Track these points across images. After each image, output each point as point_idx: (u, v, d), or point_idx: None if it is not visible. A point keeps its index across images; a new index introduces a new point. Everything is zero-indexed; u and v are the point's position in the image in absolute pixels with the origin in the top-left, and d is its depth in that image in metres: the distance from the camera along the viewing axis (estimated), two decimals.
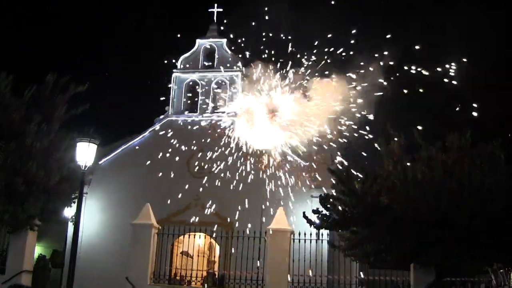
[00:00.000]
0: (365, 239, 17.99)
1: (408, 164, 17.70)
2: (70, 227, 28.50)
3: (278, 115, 22.67)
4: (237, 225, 25.36)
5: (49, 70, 21.05)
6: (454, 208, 16.27)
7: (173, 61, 34.62)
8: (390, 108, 20.10)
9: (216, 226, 25.83)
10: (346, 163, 18.92)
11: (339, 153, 19.92)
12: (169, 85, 34.30)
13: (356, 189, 17.70)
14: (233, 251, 24.02)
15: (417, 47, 19.76)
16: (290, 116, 22.87)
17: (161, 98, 33.85)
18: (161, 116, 34.01)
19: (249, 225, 23.52)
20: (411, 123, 18.77)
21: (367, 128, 19.22)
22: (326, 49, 20.72)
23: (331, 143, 20.85)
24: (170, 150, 29.98)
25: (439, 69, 18.66)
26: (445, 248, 16.55)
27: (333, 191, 19.06)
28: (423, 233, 16.62)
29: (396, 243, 17.26)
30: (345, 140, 19.71)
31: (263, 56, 22.84)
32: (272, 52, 22.86)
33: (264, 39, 22.76)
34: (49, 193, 20.31)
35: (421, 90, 18.61)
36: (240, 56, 33.12)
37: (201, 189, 28.58)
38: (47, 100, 20.81)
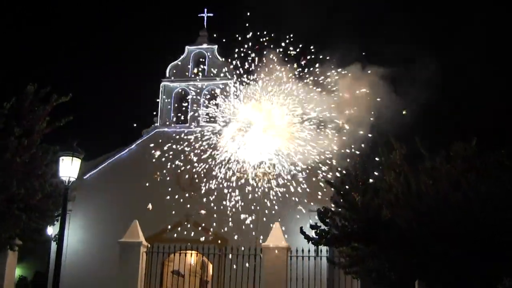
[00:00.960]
0: (367, 255, 17.91)
1: (411, 175, 17.64)
2: (53, 246, 28.26)
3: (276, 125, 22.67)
4: (232, 241, 25.33)
5: (27, 81, 20.91)
6: (461, 221, 16.20)
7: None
8: (392, 117, 20.11)
9: (209, 243, 25.73)
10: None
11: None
12: (158, 99, 34.17)
13: (356, 203, 17.64)
14: (226, 270, 23.92)
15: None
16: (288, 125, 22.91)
17: (154, 114, 33.87)
18: (149, 128, 33.92)
19: (241, 240, 23.41)
20: (414, 131, 18.75)
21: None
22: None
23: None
24: (159, 163, 29.90)
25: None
26: (452, 263, 16.48)
27: (332, 204, 19.00)
28: (428, 248, 16.54)
29: (400, 259, 17.18)
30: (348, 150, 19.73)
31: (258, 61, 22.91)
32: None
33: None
34: (30, 211, 20.13)
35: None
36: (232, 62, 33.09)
37: (192, 205, 28.52)
38: (27, 111, 20.65)
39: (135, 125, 32.41)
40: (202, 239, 27.28)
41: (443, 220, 16.32)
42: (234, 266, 22.49)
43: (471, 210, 16.25)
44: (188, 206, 28.90)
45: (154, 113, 34.01)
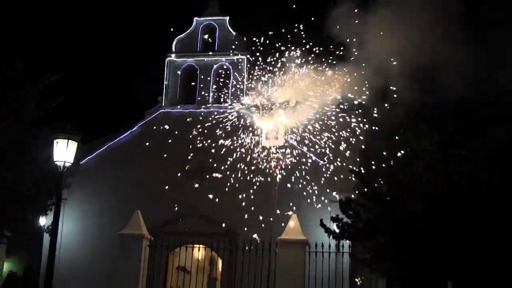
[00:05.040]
0: (394, 251, 17.81)
1: (443, 164, 17.44)
2: (46, 239, 28.40)
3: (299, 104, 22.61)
4: (244, 234, 25.31)
5: (16, 55, 20.85)
6: (499, 215, 16.04)
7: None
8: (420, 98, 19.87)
9: (218, 237, 25.74)
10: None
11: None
12: (163, 76, 34.08)
13: (383, 193, 17.54)
14: (237, 266, 23.94)
15: None
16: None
17: (158, 94, 33.77)
18: (153, 108, 33.88)
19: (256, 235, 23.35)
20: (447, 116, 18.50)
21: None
22: None
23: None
24: (163, 147, 29.94)
25: None
26: (494, 264, 16.28)
27: (356, 195, 18.93)
28: (464, 245, 16.41)
29: (432, 257, 17.07)
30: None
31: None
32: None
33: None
34: (20, 199, 20.15)
35: None
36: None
37: (200, 193, 28.56)
38: (16, 90, 20.60)
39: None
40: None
41: (480, 213, 16.16)
42: (246, 263, 22.43)
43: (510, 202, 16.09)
44: (198, 194, 28.94)
45: (160, 94, 33.97)
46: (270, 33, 23.22)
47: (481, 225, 16.07)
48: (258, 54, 24.21)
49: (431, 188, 17.05)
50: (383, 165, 18.63)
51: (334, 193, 27.32)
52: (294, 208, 25.38)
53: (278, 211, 24.92)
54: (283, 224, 23.06)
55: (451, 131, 18.18)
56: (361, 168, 19.51)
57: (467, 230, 16.21)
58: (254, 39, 24.17)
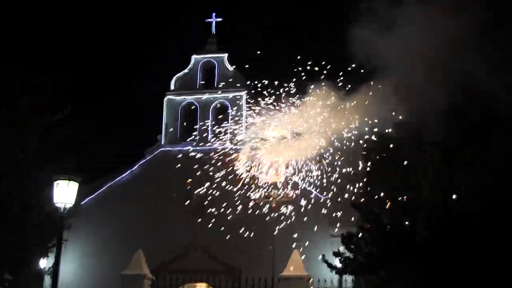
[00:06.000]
0: (393, 279, 17.67)
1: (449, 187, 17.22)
2: (47, 281, 28.35)
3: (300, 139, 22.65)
4: (246, 270, 25.28)
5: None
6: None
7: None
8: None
9: (220, 274, 25.73)
10: None
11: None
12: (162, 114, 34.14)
13: (384, 225, 17.52)
14: None
15: None
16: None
17: (158, 134, 33.82)
18: (153, 147, 33.97)
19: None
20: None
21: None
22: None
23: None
24: (164, 186, 29.98)
25: None
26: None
27: (357, 229, 18.94)
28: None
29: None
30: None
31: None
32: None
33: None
34: (20, 240, 20.14)
35: None
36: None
37: (200, 231, 28.57)
38: (20, 127, 20.68)
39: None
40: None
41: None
42: None
43: None
44: (199, 233, 28.98)
45: (160, 132, 34.06)
46: (270, 64, 23.31)
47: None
48: (258, 88, 24.27)
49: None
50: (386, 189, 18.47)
51: (336, 228, 27.30)
52: (296, 243, 25.35)
53: (279, 247, 24.95)
54: (285, 259, 23.12)
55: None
56: (363, 198, 19.42)
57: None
58: (254, 74, 24.23)
